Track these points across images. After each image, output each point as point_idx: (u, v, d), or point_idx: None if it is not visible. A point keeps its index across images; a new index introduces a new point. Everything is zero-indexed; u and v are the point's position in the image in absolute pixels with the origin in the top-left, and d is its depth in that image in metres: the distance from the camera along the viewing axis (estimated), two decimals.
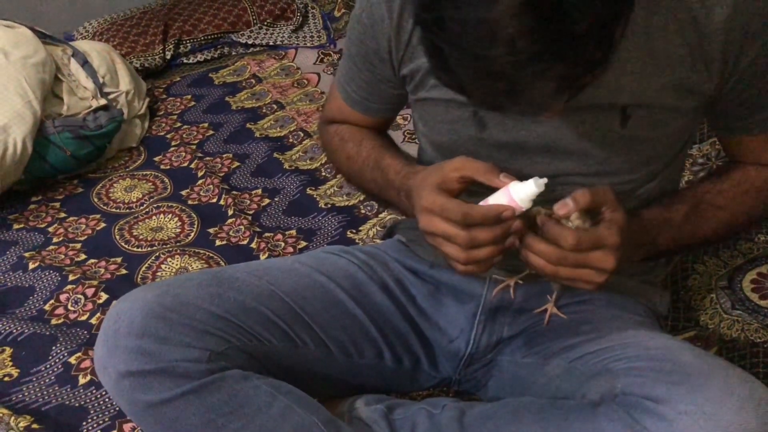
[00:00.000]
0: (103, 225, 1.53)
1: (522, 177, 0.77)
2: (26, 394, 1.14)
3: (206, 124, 1.88)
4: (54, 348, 1.21)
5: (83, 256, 1.45)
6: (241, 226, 1.49)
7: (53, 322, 1.28)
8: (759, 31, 0.78)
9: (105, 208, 1.60)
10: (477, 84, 0.64)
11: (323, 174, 1.64)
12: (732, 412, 0.70)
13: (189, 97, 2.02)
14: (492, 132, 0.88)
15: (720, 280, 1.20)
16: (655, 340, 0.85)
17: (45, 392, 1.14)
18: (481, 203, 0.79)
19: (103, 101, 1.73)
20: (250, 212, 1.54)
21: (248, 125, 1.86)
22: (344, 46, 1.00)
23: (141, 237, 1.49)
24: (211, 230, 1.49)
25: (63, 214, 1.58)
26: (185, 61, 2.19)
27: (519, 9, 0.58)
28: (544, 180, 0.76)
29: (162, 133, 1.86)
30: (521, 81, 0.62)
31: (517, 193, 0.76)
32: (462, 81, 0.65)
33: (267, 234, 1.47)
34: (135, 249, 1.46)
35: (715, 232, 0.92)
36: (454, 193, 0.80)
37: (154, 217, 1.54)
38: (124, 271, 1.39)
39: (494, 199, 0.78)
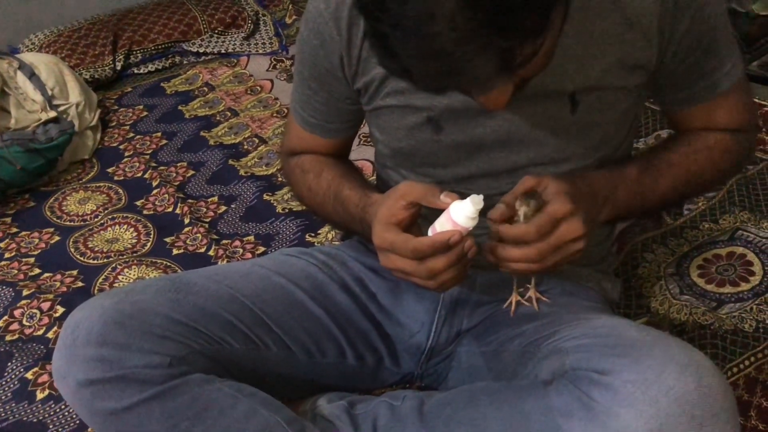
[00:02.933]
0: (57, 238, 1.51)
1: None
2: None
3: (159, 134, 1.87)
4: (9, 364, 1.18)
5: (37, 271, 1.42)
6: (198, 234, 1.48)
7: (8, 338, 1.25)
8: (689, 3, 0.83)
9: (58, 221, 1.57)
10: (421, 65, 0.64)
11: (280, 179, 1.64)
12: (672, 377, 0.73)
13: (141, 107, 2.00)
14: (448, 133, 0.90)
15: (668, 267, 1.24)
16: (603, 320, 0.88)
17: (1, 410, 1.12)
18: (430, 229, 0.79)
19: (52, 114, 1.70)
20: (207, 220, 1.54)
21: (202, 133, 1.85)
22: (295, 71, 1.00)
23: (97, 249, 1.47)
24: (167, 239, 1.48)
25: (15, 229, 1.55)
26: (136, 71, 2.17)
27: None
28: (481, 197, 0.76)
29: (115, 144, 1.84)
30: (463, 58, 0.62)
31: (458, 216, 0.76)
32: (406, 64, 0.65)
33: (225, 241, 1.46)
34: (91, 261, 1.44)
35: (673, 188, 0.93)
36: (404, 222, 0.81)
37: (109, 229, 1.52)
38: (80, 284, 1.37)
39: (440, 224, 0.78)
